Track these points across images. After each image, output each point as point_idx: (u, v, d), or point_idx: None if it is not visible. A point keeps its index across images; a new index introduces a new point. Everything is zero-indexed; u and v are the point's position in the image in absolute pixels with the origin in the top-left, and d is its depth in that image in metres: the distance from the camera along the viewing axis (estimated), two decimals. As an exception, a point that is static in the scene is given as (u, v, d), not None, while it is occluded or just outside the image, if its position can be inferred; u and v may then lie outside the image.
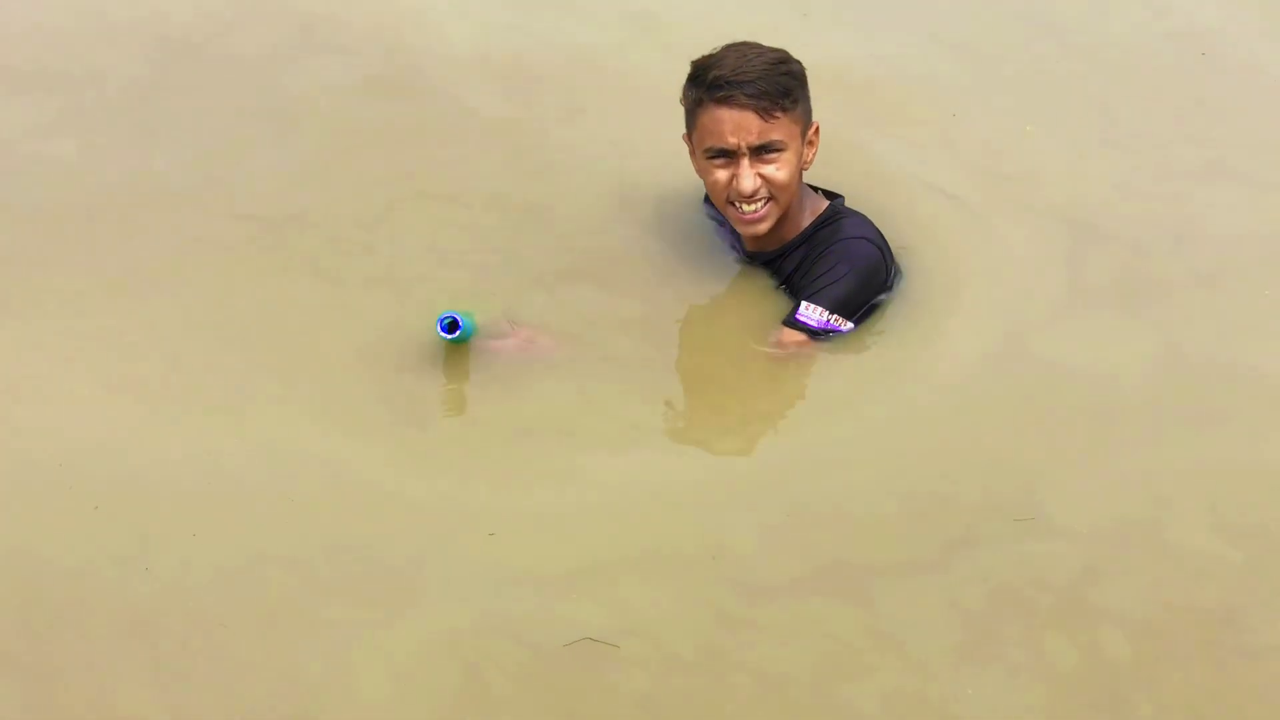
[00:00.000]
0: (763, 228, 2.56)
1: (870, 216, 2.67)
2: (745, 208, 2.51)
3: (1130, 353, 2.64)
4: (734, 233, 2.69)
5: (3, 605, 2.05)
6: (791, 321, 2.55)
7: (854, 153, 2.98)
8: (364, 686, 1.98)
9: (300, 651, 2.02)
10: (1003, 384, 2.56)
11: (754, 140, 2.46)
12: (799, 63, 2.49)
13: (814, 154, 2.56)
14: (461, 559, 2.17)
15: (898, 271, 2.67)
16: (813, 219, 2.61)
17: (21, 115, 3.18)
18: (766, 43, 2.54)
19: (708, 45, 2.62)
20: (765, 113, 2.44)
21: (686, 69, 2.60)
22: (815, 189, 2.71)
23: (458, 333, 2.36)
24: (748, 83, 2.42)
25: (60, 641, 2.02)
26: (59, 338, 2.55)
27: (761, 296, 2.69)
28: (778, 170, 2.48)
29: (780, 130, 2.46)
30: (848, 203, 2.71)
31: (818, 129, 2.55)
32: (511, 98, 3.33)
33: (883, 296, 2.63)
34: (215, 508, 2.22)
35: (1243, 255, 2.91)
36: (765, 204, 2.52)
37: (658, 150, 2.95)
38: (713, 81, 2.44)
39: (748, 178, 2.48)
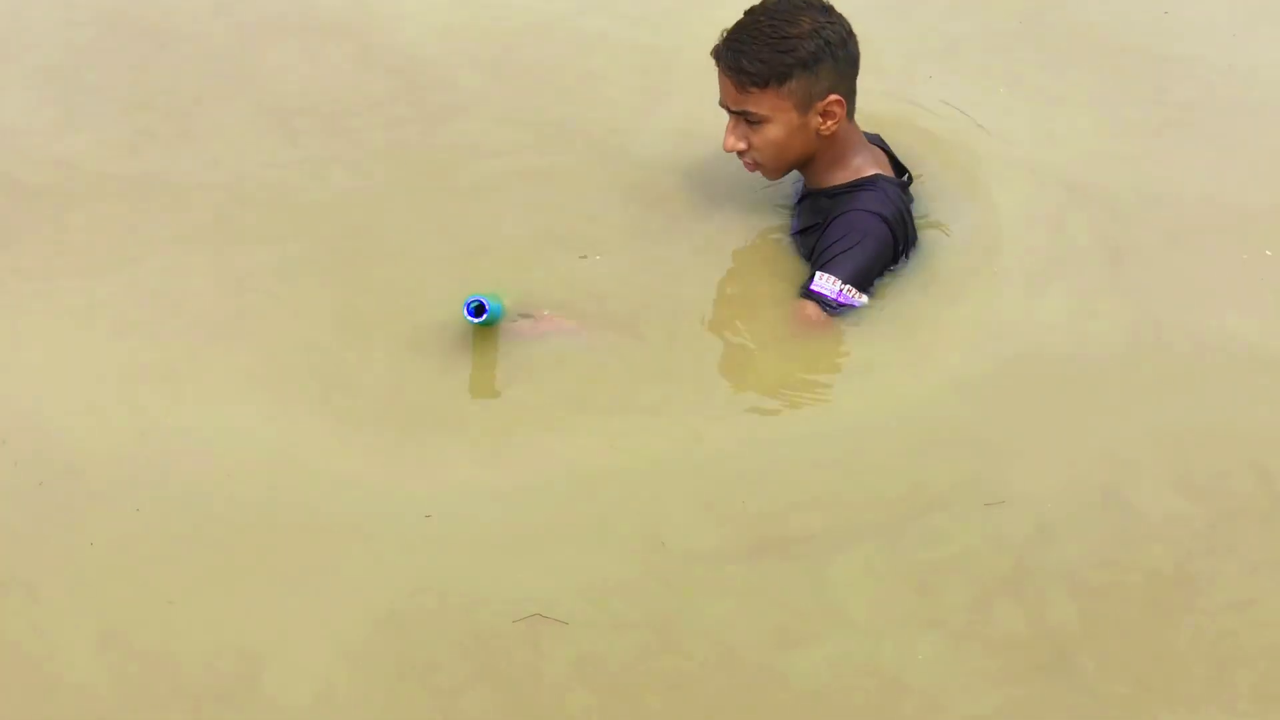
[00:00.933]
0: (766, 177, 2.64)
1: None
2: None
3: (1109, 320, 2.62)
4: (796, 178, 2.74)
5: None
6: (807, 293, 2.54)
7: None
8: (306, 659, 1.98)
9: (242, 625, 2.02)
10: (984, 359, 2.53)
11: (731, 105, 2.53)
12: (816, 40, 2.45)
13: (833, 124, 2.53)
14: (399, 535, 2.16)
15: (914, 245, 2.66)
16: (847, 180, 2.62)
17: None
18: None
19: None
20: (740, 86, 2.48)
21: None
22: (886, 151, 2.72)
23: (484, 316, 2.35)
24: (730, 53, 2.47)
25: (7, 613, 2.02)
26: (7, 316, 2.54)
27: (775, 284, 2.65)
28: (758, 138, 2.53)
29: (756, 104, 2.48)
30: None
31: (840, 101, 2.52)
32: (504, 67, 3.28)
33: (892, 268, 2.63)
34: (156, 483, 2.21)
35: (1209, 217, 2.88)
36: (753, 166, 2.59)
37: (654, 122, 3.00)
38: (719, 37, 2.50)
39: (728, 136, 2.56)
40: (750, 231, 2.76)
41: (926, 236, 2.73)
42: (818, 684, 2.02)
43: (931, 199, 2.84)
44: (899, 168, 2.74)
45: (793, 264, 2.67)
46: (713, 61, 2.56)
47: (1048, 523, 2.24)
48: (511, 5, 3.48)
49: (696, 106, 2.87)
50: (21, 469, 2.22)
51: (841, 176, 2.63)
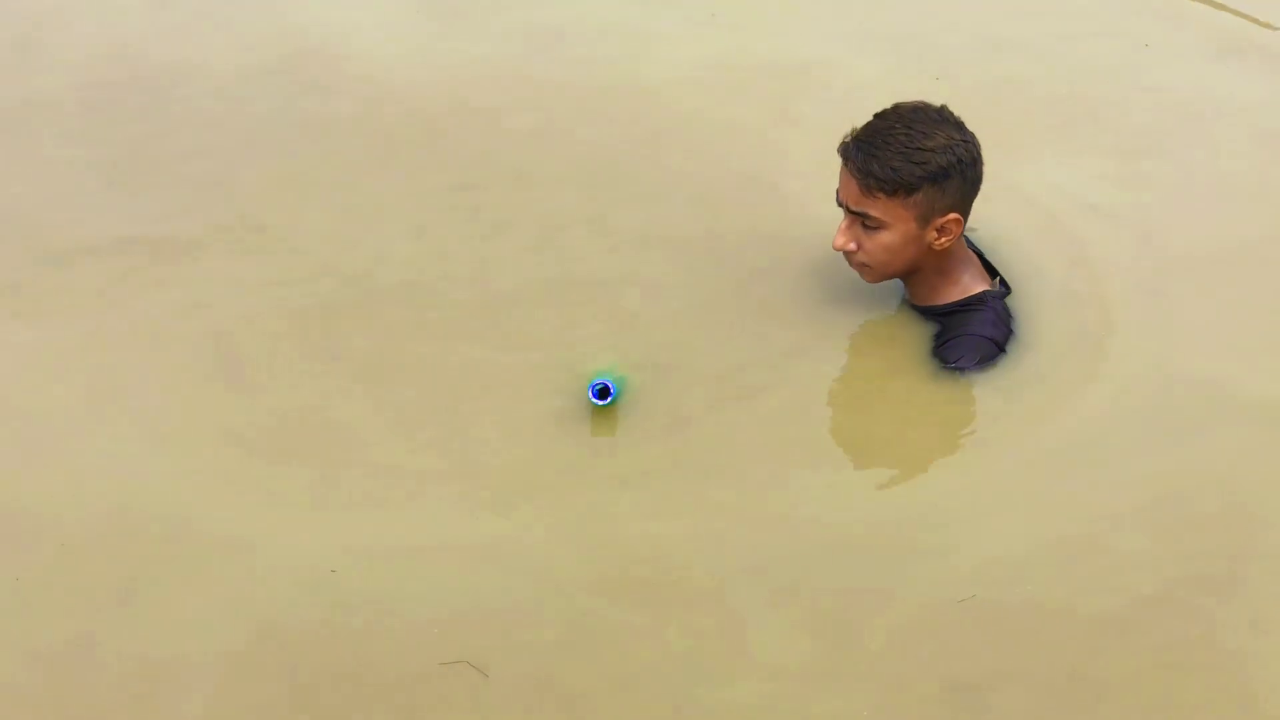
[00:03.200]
0: (867, 280, 2.62)
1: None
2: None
3: (1122, 371, 2.59)
4: None
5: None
6: None
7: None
8: (205, 678, 2.05)
9: (148, 645, 2.10)
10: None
11: (852, 205, 2.50)
12: (952, 156, 2.45)
13: (947, 240, 2.52)
14: (302, 573, 2.22)
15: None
16: (961, 297, 2.62)
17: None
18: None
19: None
20: (865, 189, 2.46)
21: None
22: (987, 265, 2.71)
23: (610, 398, 2.40)
24: (860, 155, 2.45)
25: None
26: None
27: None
28: (871, 243, 2.51)
29: (877, 209, 2.47)
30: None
31: (958, 220, 2.50)
32: (545, 110, 3.33)
33: None
34: (78, 518, 2.30)
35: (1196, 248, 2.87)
36: (861, 265, 2.58)
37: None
38: (849, 135, 2.50)
39: (839, 234, 2.54)
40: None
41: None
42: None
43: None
44: (990, 269, 2.72)
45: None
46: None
47: (981, 565, 2.22)
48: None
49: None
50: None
51: (952, 294, 2.63)
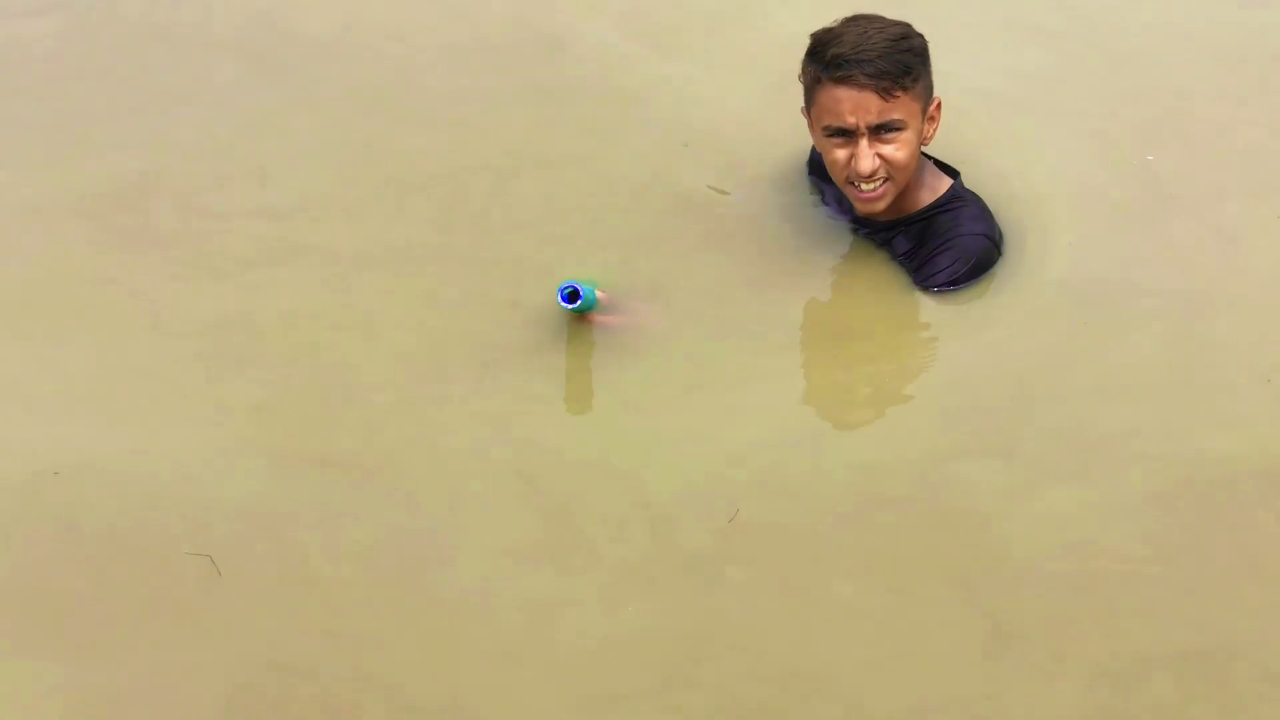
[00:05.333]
0: (880, 205, 2.51)
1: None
2: (864, 186, 2.48)
3: None
4: (840, 198, 2.67)
5: None
6: None
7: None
8: None
9: None
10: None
11: (873, 120, 2.40)
12: (921, 37, 2.42)
13: (935, 129, 2.50)
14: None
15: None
16: (933, 198, 2.56)
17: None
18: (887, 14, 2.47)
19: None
20: (885, 92, 2.37)
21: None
22: (935, 161, 2.67)
23: (579, 302, 2.32)
24: (868, 61, 2.35)
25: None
26: None
27: (846, 272, 2.62)
28: (897, 150, 2.43)
29: (900, 109, 2.39)
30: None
31: (939, 105, 2.48)
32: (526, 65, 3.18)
33: None
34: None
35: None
36: (883, 184, 2.48)
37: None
38: (832, 59, 2.37)
39: (866, 158, 2.43)
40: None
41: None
42: (464, 601, 2.04)
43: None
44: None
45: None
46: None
47: (744, 450, 2.23)
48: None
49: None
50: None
51: (924, 197, 2.56)
